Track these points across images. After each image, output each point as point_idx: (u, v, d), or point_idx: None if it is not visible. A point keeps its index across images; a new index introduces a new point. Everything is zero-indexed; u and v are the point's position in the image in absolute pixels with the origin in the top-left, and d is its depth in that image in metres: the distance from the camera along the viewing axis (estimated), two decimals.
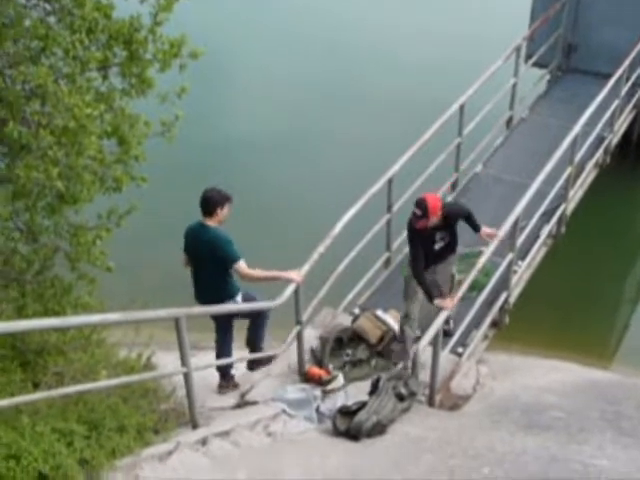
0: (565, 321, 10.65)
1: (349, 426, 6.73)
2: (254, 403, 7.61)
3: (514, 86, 11.89)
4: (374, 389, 7.05)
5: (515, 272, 9.04)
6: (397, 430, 6.83)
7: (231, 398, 7.81)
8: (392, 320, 8.14)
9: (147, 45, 6.26)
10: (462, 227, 10.11)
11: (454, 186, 10.75)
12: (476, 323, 8.50)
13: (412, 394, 7.14)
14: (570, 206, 10.54)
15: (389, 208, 8.89)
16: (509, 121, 12.37)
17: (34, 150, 5.91)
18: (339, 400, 7.32)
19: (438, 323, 7.03)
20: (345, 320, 8.41)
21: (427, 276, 7.54)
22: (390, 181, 8.61)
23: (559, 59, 13.31)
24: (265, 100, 15.49)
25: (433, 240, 7.57)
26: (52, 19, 5.97)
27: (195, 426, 6.68)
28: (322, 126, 14.67)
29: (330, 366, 7.77)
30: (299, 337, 7.61)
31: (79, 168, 6.18)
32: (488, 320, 8.71)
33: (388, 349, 8.08)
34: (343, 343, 7.99)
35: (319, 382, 7.63)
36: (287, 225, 11.28)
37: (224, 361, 7.97)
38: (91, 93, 6.11)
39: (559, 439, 6.54)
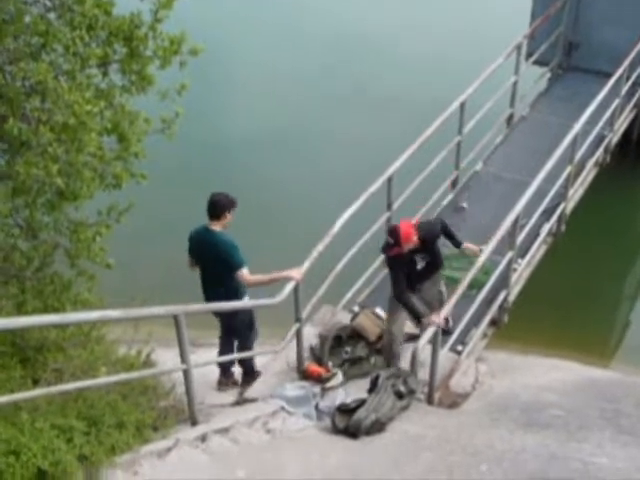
0: (565, 320, 10.66)
1: (348, 424, 6.75)
2: (253, 400, 7.64)
3: (515, 84, 11.91)
4: (373, 387, 7.06)
5: (515, 270, 9.05)
6: (396, 428, 6.85)
7: (230, 395, 7.84)
8: None
9: (147, 42, 6.27)
10: (461, 224, 10.16)
11: (454, 184, 10.76)
12: (475, 321, 8.50)
13: (411, 392, 7.15)
14: (570, 205, 10.55)
15: (389, 206, 8.91)
16: (509, 119, 12.39)
17: (34, 147, 5.92)
18: (338, 398, 7.33)
19: (429, 333, 7.04)
20: (344, 318, 8.43)
21: (413, 297, 7.56)
22: (390, 179, 8.62)
23: (560, 57, 13.32)
24: (265, 97, 15.50)
25: (414, 262, 7.56)
26: (52, 15, 5.98)
27: (194, 423, 6.70)
28: (322, 124, 14.67)
29: (329, 364, 7.79)
30: (298, 334, 7.63)
31: (79, 165, 6.20)
32: (487, 318, 8.71)
33: None
34: (342, 341, 8.00)
35: (318, 379, 7.65)
36: (287, 223, 11.29)
37: (224, 358, 7.99)
38: (91, 90, 6.12)
39: (558, 437, 6.56)
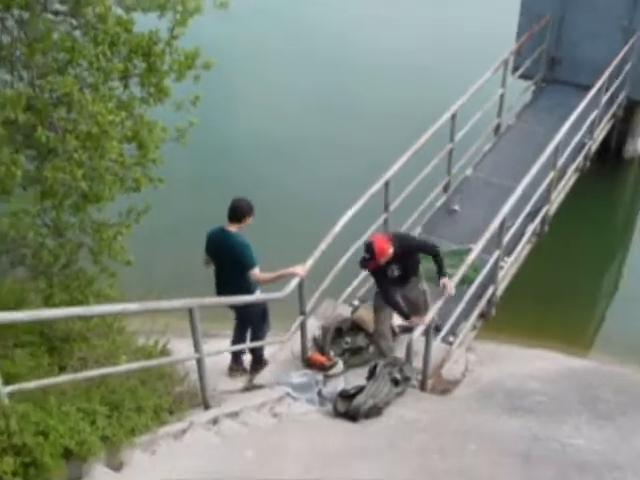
0: (548, 313, 10.67)
1: (348, 408, 6.76)
2: (261, 387, 7.65)
3: (502, 96, 11.91)
4: (371, 374, 7.08)
5: (502, 268, 9.07)
6: (392, 412, 6.86)
7: (240, 382, 7.85)
8: None
9: (164, 57, 6.28)
10: (453, 225, 10.19)
11: (446, 188, 10.77)
12: (465, 314, 8.52)
13: (406, 379, 7.17)
14: (553, 207, 10.56)
15: (386, 208, 8.91)
16: (497, 128, 12.39)
17: (61, 153, 5.94)
18: (339, 384, 7.35)
19: (429, 318, 7.07)
20: (345, 311, 8.44)
21: (397, 296, 7.58)
22: (387, 183, 8.63)
23: (543, 71, 13.32)
24: (271, 109, 15.48)
25: (385, 272, 7.50)
26: (78, 33, 6.00)
27: (207, 407, 6.72)
28: (324, 133, 14.66)
29: (331, 353, 7.79)
30: (302, 326, 7.64)
31: (102, 170, 6.23)
32: (477, 312, 8.74)
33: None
34: (343, 332, 8.00)
35: (321, 368, 7.65)
36: (291, 224, 11.30)
37: (236, 347, 8.02)
38: (113, 101, 6.14)
39: (540, 420, 6.58)
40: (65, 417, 5.21)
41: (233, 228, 7.24)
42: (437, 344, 7.89)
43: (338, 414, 6.82)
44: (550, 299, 10.93)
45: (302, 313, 7.52)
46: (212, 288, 7.62)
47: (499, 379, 8.04)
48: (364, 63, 16.99)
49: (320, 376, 7.57)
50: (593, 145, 11.96)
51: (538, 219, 10.04)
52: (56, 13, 6.02)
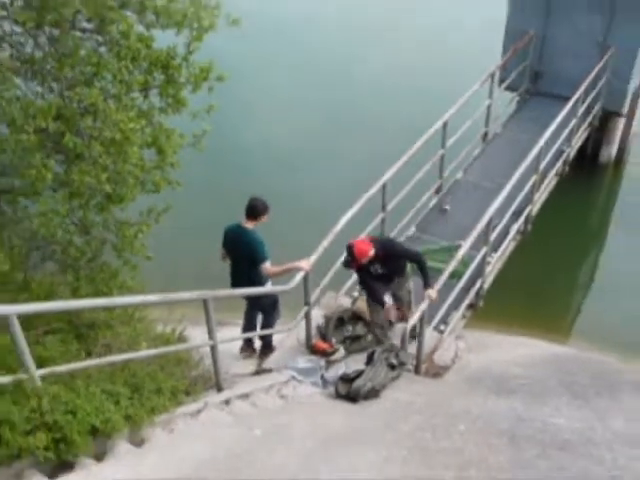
0: (531, 304, 10.66)
1: (349, 391, 6.76)
2: (269, 371, 7.64)
3: (489, 106, 11.89)
4: (370, 360, 7.07)
5: (489, 263, 9.05)
6: (389, 395, 6.85)
7: (250, 366, 7.84)
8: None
9: (181, 70, 6.29)
10: (444, 223, 10.18)
11: (438, 190, 10.76)
12: (455, 305, 8.50)
13: (402, 364, 7.17)
14: (535, 208, 10.54)
15: (383, 208, 8.90)
16: (485, 136, 12.38)
17: (87, 158, 5.95)
18: (340, 369, 7.33)
19: (422, 308, 7.05)
20: (346, 302, 8.42)
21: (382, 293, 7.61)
22: (384, 186, 8.61)
23: (527, 84, 13.30)
24: (279, 120, 15.49)
25: (369, 270, 7.49)
26: (103, 49, 6.01)
27: (220, 389, 6.72)
28: (327, 142, 14.67)
29: (333, 340, 7.78)
30: (307, 316, 7.63)
31: (124, 173, 6.23)
32: (466, 303, 8.72)
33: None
34: (344, 321, 7.99)
35: (324, 354, 7.65)
36: (298, 223, 11.29)
37: (247, 334, 8.02)
38: (134, 110, 6.15)
39: (524, 402, 6.56)
40: (91, 398, 5.22)
41: (249, 225, 7.23)
42: (430, 332, 7.88)
43: (339, 396, 6.81)
44: (533, 291, 10.93)
45: (307, 304, 7.52)
46: (225, 281, 7.61)
47: (486, 364, 8.04)
48: (366, 78, 16.98)
49: (323, 361, 7.57)
50: (571, 151, 11.94)
51: (522, 218, 10.02)
52: (83, 31, 6.03)
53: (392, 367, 7.05)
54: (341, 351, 7.69)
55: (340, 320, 7.97)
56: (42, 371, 5.05)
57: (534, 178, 9.91)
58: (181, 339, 7.31)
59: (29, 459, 4.83)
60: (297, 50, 18.56)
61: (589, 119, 12.57)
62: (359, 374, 6.87)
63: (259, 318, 7.99)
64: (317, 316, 8.06)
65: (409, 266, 7.77)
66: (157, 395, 5.88)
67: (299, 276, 7.13)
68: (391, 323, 7.91)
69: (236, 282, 7.52)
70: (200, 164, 7.96)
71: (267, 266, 7.16)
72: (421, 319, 7.05)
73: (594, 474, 5.20)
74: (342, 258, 8.22)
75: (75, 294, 6.45)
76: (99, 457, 5.21)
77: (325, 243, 7.55)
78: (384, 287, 7.62)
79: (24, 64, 5.89)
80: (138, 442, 5.55)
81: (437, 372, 7.58)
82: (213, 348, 6.48)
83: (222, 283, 7.55)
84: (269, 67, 17.53)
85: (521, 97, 13.44)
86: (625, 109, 13.13)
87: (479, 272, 8.79)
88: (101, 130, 5.90)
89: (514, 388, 7.05)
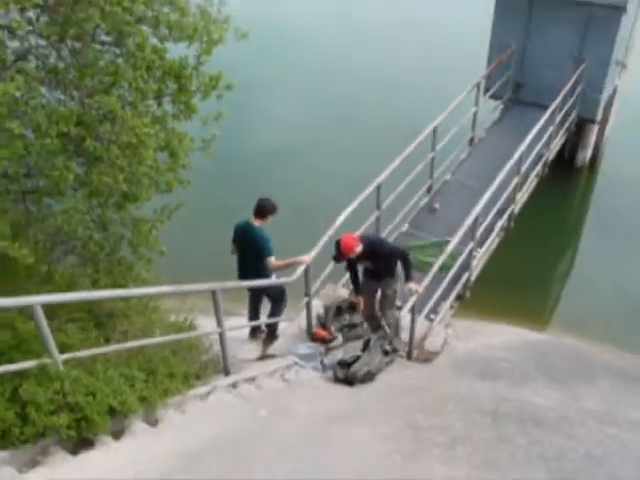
0: (513, 295, 10.65)
1: (346, 375, 6.77)
2: (273, 356, 7.64)
3: (475, 113, 11.88)
4: (366, 346, 7.08)
5: (475, 257, 9.04)
6: (383, 378, 6.86)
7: (255, 351, 7.83)
8: None
9: (192, 80, 6.28)
10: (434, 221, 10.17)
11: (429, 190, 10.74)
12: (444, 296, 8.50)
13: (395, 350, 7.18)
14: (517, 207, 10.53)
15: (378, 207, 8.88)
16: (471, 140, 12.36)
17: (105, 161, 5.94)
18: (339, 355, 7.33)
19: (413, 299, 7.04)
20: (344, 293, 8.41)
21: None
22: (379, 186, 8.59)
23: (509, 93, 13.28)
24: (282, 120, 15.48)
25: (355, 266, 7.54)
26: (120, 60, 5.99)
27: (228, 373, 6.71)
28: (327, 143, 14.66)
29: (332, 328, 7.77)
30: (308, 306, 7.63)
31: (139, 174, 6.23)
32: (454, 294, 8.72)
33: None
34: (342, 311, 7.96)
35: (323, 341, 7.65)
36: (299, 219, 11.25)
37: (250, 324, 8.01)
38: (149, 117, 6.14)
39: (506, 384, 6.60)
40: (110, 381, 5.20)
41: (257, 223, 7.23)
42: (421, 321, 7.88)
43: (338, 379, 6.82)
44: (515, 283, 10.92)
45: (307, 295, 7.51)
46: (232, 273, 7.60)
47: (472, 350, 8.06)
48: (363, 84, 16.97)
49: (323, 348, 7.57)
50: (550, 155, 11.93)
51: (505, 216, 10.01)
52: (102, 43, 6.01)
53: (386, 353, 7.06)
54: (339, 338, 7.69)
55: (338, 310, 7.96)
56: (64, 356, 5.04)
57: (516, 179, 9.90)
58: (192, 327, 7.29)
59: (53, 437, 4.82)
60: (303, 52, 18.53)
61: (566, 125, 12.56)
62: (356, 359, 6.88)
63: (268, 306, 7.98)
64: (317, 306, 8.06)
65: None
66: (170, 379, 5.87)
67: (300, 269, 7.13)
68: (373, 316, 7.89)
69: (243, 274, 7.51)
70: (209, 163, 7.91)
71: (272, 260, 7.16)
72: (412, 309, 7.05)
73: (568, 448, 5.22)
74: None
75: (94, 286, 6.44)
76: (117, 435, 5.20)
77: (325, 238, 7.54)
78: (374, 284, 7.60)
79: (48, 74, 5.87)
80: (153, 422, 5.54)
81: (427, 357, 7.59)
82: (221, 335, 6.47)
83: (229, 275, 7.55)
84: (275, 69, 17.52)
85: (504, 105, 13.42)
86: (598, 116, 13.15)
87: (466, 266, 8.79)
88: (118, 135, 5.88)
89: (497, 371, 7.08)
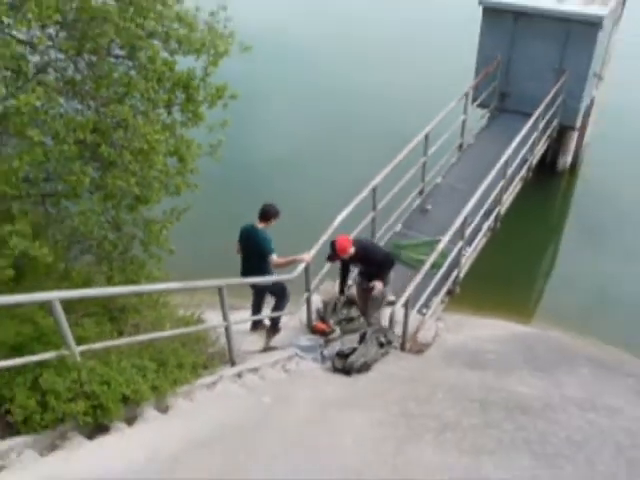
0: (500, 290, 10.67)
1: (344, 365, 6.78)
2: (275, 348, 7.66)
3: (464, 121, 11.89)
4: (362, 339, 7.08)
5: (464, 255, 9.05)
6: (379, 368, 6.87)
7: (259, 344, 7.85)
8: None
9: (199, 90, 6.28)
10: (426, 221, 10.18)
11: (421, 192, 10.75)
12: (435, 291, 8.50)
13: (389, 342, 7.19)
14: (503, 208, 10.54)
15: (374, 208, 8.89)
16: (460, 146, 12.36)
17: (119, 165, 5.94)
18: (337, 346, 7.35)
19: (408, 291, 7.06)
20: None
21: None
22: (374, 189, 8.61)
23: (496, 102, 13.29)
24: (283, 130, 15.50)
25: (347, 266, 7.57)
26: (133, 72, 5.99)
27: (233, 364, 6.72)
28: (325, 150, 14.68)
29: (331, 322, 7.80)
30: (308, 301, 7.65)
31: (150, 178, 6.23)
32: (444, 289, 8.74)
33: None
34: (340, 305, 8.00)
35: (322, 333, 7.67)
36: (299, 220, 11.25)
37: (256, 317, 8.02)
38: (159, 124, 6.13)
39: (493, 374, 6.60)
40: (123, 371, 5.22)
41: (260, 225, 7.26)
42: (414, 315, 7.89)
43: (336, 370, 6.84)
44: (501, 280, 10.94)
45: (308, 290, 7.53)
46: (236, 271, 7.61)
47: (461, 342, 8.06)
48: (359, 97, 16.97)
49: (322, 340, 7.58)
50: (533, 160, 11.95)
51: (492, 217, 10.03)
52: (116, 57, 6.01)
53: (381, 345, 7.08)
54: (337, 331, 7.71)
55: (336, 304, 7.98)
56: (81, 348, 5.05)
57: (502, 182, 9.92)
58: (199, 321, 7.31)
59: (71, 423, 4.84)
60: (302, 69, 18.54)
61: (548, 132, 12.57)
62: (353, 351, 6.90)
63: (271, 302, 7.99)
64: (317, 301, 8.08)
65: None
66: (179, 369, 5.88)
67: (301, 267, 7.16)
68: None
69: (246, 272, 7.53)
70: (215, 169, 7.92)
71: (274, 258, 7.18)
72: (406, 304, 7.07)
73: (550, 432, 5.24)
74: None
75: (109, 282, 6.45)
76: (130, 421, 5.22)
77: (324, 237, 7.56)
78: (366, 284, 7.58)
79: (66, 85, 5.87)
80: (163, 409, 5.56)
81: (420, 349, 7.60)
82: (227, 329, 6.49)
83: (234, 272, 7.56)
84: (276, 83, 17.53)
85: (491, 113, 13.44)
86: (578, 124, 13.18)
87: (456, 263, 8.80)
88: (131, 141, 5.88)
89: (485, 362, 7.08)
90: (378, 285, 7.29)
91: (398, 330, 7.35)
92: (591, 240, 12.09)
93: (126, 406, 5.15)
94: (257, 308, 8.09)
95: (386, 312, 7.39)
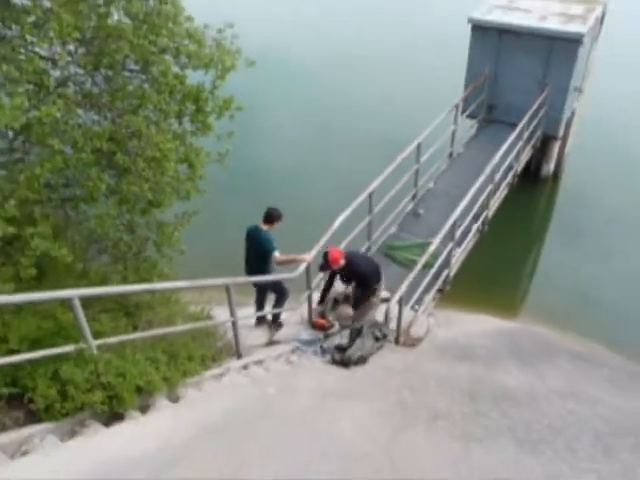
0: (487, 289, 10.68)
1: (342, 358, 6.79)
2: (278, 342, 7.67)
3: (454, 131, 11.89)
4: (359, 333, 7.10)
5: (454, 256, 9.06)
6: (375, 361, 6.88)
7: (263, 338, 7.86)
8: None
9: (208, 102, 6.29)
10: (419, 224, 10.19)
11: (414, 197, 10.77)
12: (427, 289, 8.52)
13: (385, 337, 7.19)
14: (491, 212, 10.54)
15: (370, 211, 8.91)
16: (451, 154, 12.37)
17: (133, 172, 5.96)
18: (336, 340, 7.37)
19: (402, 289, 7.07)
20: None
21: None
22: (370, 194, 8.63)
23: (484, 113, 13.30)
24: (285, 141, 15.52)
25: (334, 276, 7.47)
26: (146, 85, 6.01)
27: (239, 357, 6.75)
28: (325, 158, 14.70)
29: (330, 318, 7.80)
30: (309, 298, 7.65)
31: (162, 184, 6.24)
32: (435, 288, 8.74)
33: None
34: (339, 302, 7.99)
35: (322, 328, 7.67)
36: (301, 222, 11.27)
37: (259, 313, 8.03)
38: (171, 134, 6.15)
39: (482, 366, 6.61)
40: (137, 363, 5.24)
41: (264, 227, 7.28)
42: (407, 311, 7.90)
43: (335, 362, 6.85)
44: (489, 279, 10.96)
45: (308, 288, 7.54)
46: (241, 270, 7.61)
47: (452, 337, 8.08)
48: (354, 112, 16.99)
49: (322, 335, 7.59)
50: (519, 167, 11.95)
51: (480, 220, 10.04)
52: (131, 71, 6.03)
53: (377, 339, 7.08)
54: (336, 326, 7.71)
55: (335, 301, 7.97)
56: (98, 342, 5.07)
57: (490, 188, 9.93)
58: (208, 317, 7.32)
59: (89, 411, 4.86)
60: (302, 85, 18.57)
61: (532, 142, 12.58)
62: (350, 345, 6.90)
63: (272, 297, 8.01)
64: (317, 298, 8.08)
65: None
66: (189, 361, 5.91)
67: (302, 266, 7.17)
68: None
69: (250, 270, 7.55)
70: (223, 176, 7.93)
71: (276, 254, 7.21)
72: (400, 301, 7.08)
73: (534, 420, 5.26)
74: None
75: (124, 281, 6.45)
76: (143, 410, 5.24)
77: (324, 239, 7.57)
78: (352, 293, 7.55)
79: (84, 98, 5.88)
80: (174, 399, 5.58)
81: (413, 343, 7.61)
82: (234, 324, 6.50)
83: (239, 272, 7.57)
84: (276, 97, 17.55)
85: (479, 123, 13.45)
86: (560, 134, 13.20)
87: (446, 263, 8.81)
88: (144, 149, 5.90)
89: (474, 355, 7.10)
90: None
91: (393, 325, 7.36)
92: (571, 242, 12.13)
93: (140, 396, 5.17)
94: (260, 305, 8.11)
95: (381, 308, 7.40)
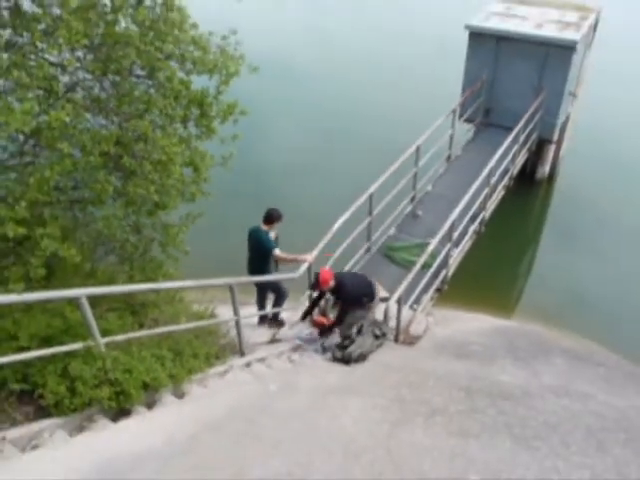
0: (484, 288, 10.70)
1: (343, 355, 6.80)
2: (280, 340, 7.69)
3: (452, 135, 11.93)
4: (359, 331, 7.10)
5: (451, 256, 9.09)
6: (374, 358, 6.89)
7: (265, 336, 7.87)
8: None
9: (212, 106, 6.30)
10: (417, 225, 10.20)
11: (413, 199, 10.79)
12: (426, 289, 8.54)
13: (384, 335, 7.19)
14: (487, 213, 10.57)
15: (370, 213, 8.94)
16: (448, 157, 12.41)
17: (139, 175, 5.95)
18: (336, 338, 7.37)
19: (401, 288, 7.08)
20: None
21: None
22: (370, 196, 8.66)
23: (481, 118, 13.33)
24: (287, 144, 15.53)
25: (322, 297, 7.48)
26: (152, 90, 6.02)
27: (242, 355, 6.75)
28: (326, 161, 14.71)
29: (330, 316, 7.80)
30: (310, 297, 7.66)
31: (168, 186, 6.22)
32: (434, 287, 8.77)
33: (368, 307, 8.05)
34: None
35: (322, 326, 7.67)
36: (303, 224, 11.28)
37: (261, 312, 8.05)
38: (176, 137, 6.14)
39: (478, 364, 6.61)
40: (143, 360, 5.26)
41: (265, 227, 7.31)
42: (406, 310, 7.92)
43: (335, 359, 6.85)
44: (485, 278, 10.98)
45: (310, 288, 7.54)
46: (243, 270, 7.63)
47: (449, 335, 8.08)
48: (356, 114, 17.00)
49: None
50: (515, 170, 11.98)
51: (477, 221, 10.06)
52: (138, 77, 6.03)
53: (376, 337, 7.08)
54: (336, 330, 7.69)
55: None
56: (105, 339, 5.08)
57: (486, 190, 9.95)
58: (212, 315, 7.33)
59: (97, 407, 4.88)
60: (303, 91, 18.59)
61: (528, 145, 12.60)
62: (351, 342, 6.90)
63: (271, 297, 8.02)
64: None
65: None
66: (194, 359, 5.91)
67: (304, 267, 7.20)
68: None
69: (251, 269, 7.57)
70: (226, 179, 7.95)
71: (277, 252, 7.26)
72: (399, 300, 7.09)
73: (529, 417, 5.26)
74: (338, 251, 8.28)
75: (130, 280, 6.47)
76: (150, 406, 5.26)
77: (325, 240, 7.60)
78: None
79: (93, 103, 5.89)
80: (180, 395, 5.59)
81: (411, 341, 7.62)
82: (237, 322, 6.52)
83: (242, 272, 7.59)
84: (279, 102, 17.56)
85: (476, 127, 13.47)
86: (555, 137, 13.24)
87: (444, 263, 8.83)
88: (150, 153, 5.90)
89: (470, 353, 7.10)
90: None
91: (392, 323, 7.37)
92: (566, 243, 12.14)
93: (146, 392, 5.19)
94: (261, 303, 8.13)
95: (381, 307, 7.42)
